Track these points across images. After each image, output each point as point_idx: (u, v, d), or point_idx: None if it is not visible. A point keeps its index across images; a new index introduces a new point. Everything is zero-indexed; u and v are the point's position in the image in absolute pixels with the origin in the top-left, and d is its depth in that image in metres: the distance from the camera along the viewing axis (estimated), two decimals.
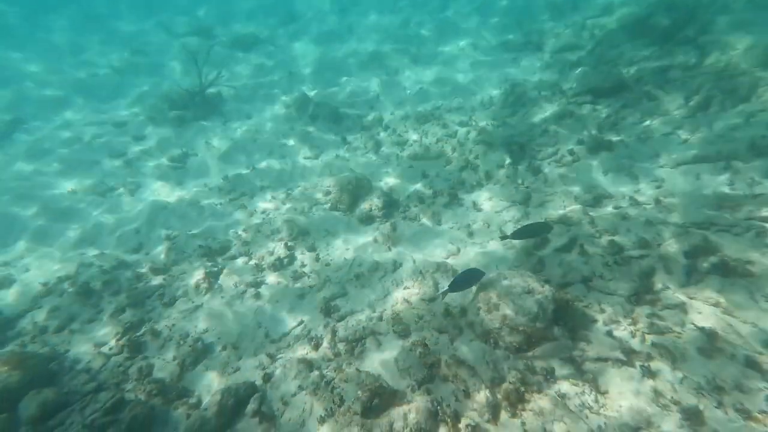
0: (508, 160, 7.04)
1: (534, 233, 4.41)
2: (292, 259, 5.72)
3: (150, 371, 4.37)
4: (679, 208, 5.04)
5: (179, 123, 9.83)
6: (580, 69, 8.77)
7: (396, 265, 5.33)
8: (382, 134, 8.75)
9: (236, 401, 3.73)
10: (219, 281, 5.42)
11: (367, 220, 6.27)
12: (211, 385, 4.19)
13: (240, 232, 6.46)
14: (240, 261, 5.79)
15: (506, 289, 4.11)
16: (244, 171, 8.19)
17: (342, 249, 5.84)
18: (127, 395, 4.00)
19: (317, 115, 9.11)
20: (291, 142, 8.96)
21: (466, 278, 3.91)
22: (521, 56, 10.58)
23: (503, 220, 5.95)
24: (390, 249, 5.73)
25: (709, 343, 3.45)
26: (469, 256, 5.38)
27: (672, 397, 3.15)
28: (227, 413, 3.65)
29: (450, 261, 5.33)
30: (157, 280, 5.67)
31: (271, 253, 5.70)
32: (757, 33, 7.27)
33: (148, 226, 6.97)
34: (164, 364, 4.47)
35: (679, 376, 3.30)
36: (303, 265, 5.60)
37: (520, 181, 6.67)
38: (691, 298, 3.95)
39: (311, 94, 10.71)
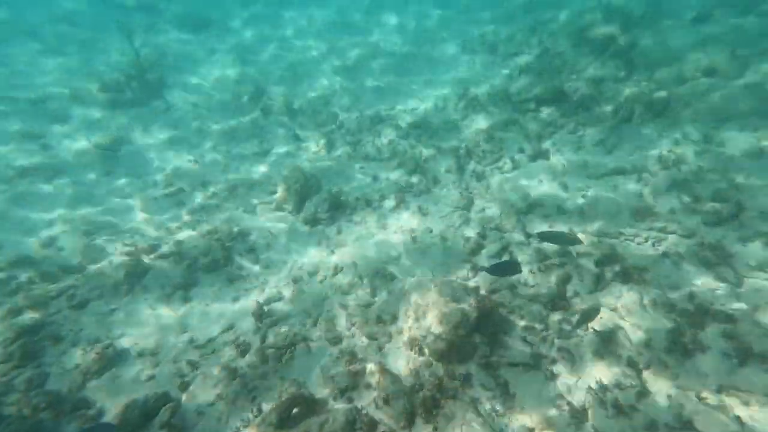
0: (455, 165, 7.33)
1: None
2: (228, 260, 5.71)
3: (42, 382, 4.14)
4: (597, 218, 5.54)
5: (112, 107, 9.26)
6: (526, 75, 9.19)
7: (337, 269, 5.47)
8: (337, 133, 8.77)
9: (143, 412, 3.69)
10: (143, 282, 5.29)
11: (313, 222, 6.35)
12: (117, 394, 4.09)
13: (173, 229, 6.33)
14: (171, 260, 5.67)
15: (435, 296, 4.40)
16: (187, 164, 7.97)
17: (284, 251, 5.90)
18: (5, 410, 3.74)
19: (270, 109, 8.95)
20: (242, 137, 8.78)
21: (506, 268, 4.23)
22: (476, 58, 10.88)
23: (447, 225, 6.23)
24: (333, 252, 5.86)
25: (603, 345, 3.91)
26: (409, 262, 5.62)
27: (567, 399, 3.58)
28: (130, 425, 3.61)
29: (391, 267, 5.54)
30: (67, 281, 5.41)
31: (205, 254, 5.64)
32: (677, 51, 7.96)
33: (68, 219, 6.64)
34: (62, 373, 4.27)
35: (575, 379, 3.74)
36: (240, 268, 5.60)
37: (464, 186, 6.99)
38: (596, 303, 4.42)
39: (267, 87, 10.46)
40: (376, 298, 4.93)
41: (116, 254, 5.73)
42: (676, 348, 3.57)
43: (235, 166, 7.98)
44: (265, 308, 4.82)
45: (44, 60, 11.92)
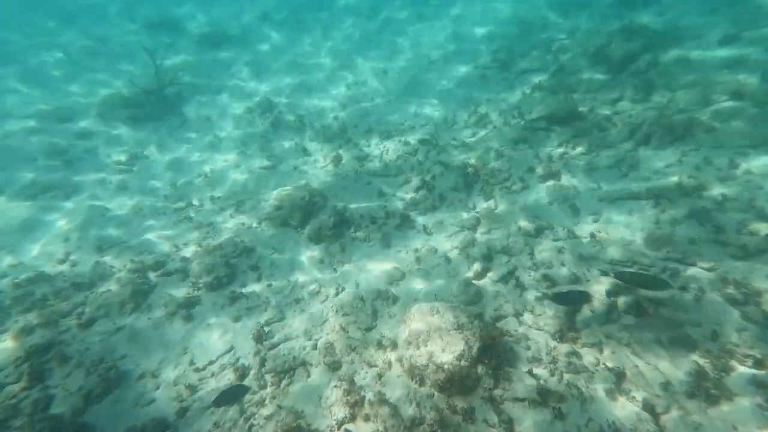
0: (462, 183, 7.19)
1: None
2: (232, 278, 5.64)
3: (47, 405, 4.11)
4: (609, 245, 5.31)
5: (132, 122, 9.50)
6: (539, 93, 9.05)
7: (339, 289, 5.36)
8: (344, 147, 8.74)
9: None
10: (148, 300, 5.27)
11: (317, 238, 6.27)
12: (118, 420, 4.05)
13: (180, 245, 6.32)
14: (175, 278, 5.65)
15: (437, 323, 4.23)
16: (196, 179, 8.03)
17: (287, 269, 5.81)
18: None
19: (279, 123, 9.01)
20: (249, 150, 8.84)
21: (573, 297, 4.18)
22: (488, 74, 10.79)
23: (452, 246, 6.07)
24: (336, 271, 5.75)
25: (617, 384, 3.67)
26: (413, 283, 5.48)
27: None
28: None
29: (393, 288, 5.40)
30: (77, 297, 5.44)
31: (210, 271, 5.59)
32: (697, 73, 7.73)
33: (80, 234, 6.70)
34: (66, 396, 4.24)
35: (586, 419, 3.50)
36: (243, 285, 5.53)
37: (471, 206, 6.83)
38: (608, 338, 4.18)
39: (277, 99, 10.57)
40: (377, 322, 4.78)
41: (123, 271, 5.76)
42: (699, 393, 3.31)
43: (242, 181, 8.01)
44: (266, 329, 4.72)
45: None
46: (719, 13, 9.56)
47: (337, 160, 8.10)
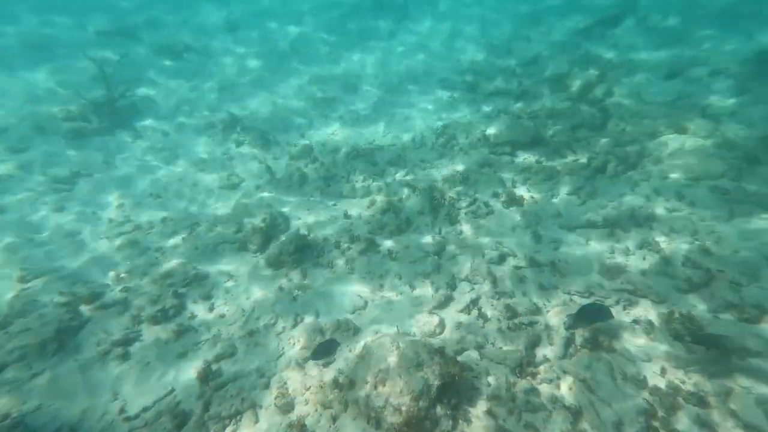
0: (428, 207, 7.19)
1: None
2: (180, 309, 5.28)
3: None
4: (568, 273, 5.42)
5: (74, 137, 8.85)
6: (505, 117, 9.30)
7: (297, 320, 5.12)
8: (310, 166, 8.56)
9: None
10: (77, 339, 4.79)
11: (277, 264, 6.00)
12: None
13: (122, 273, 5.86)
14: (113, 311, 5.20)
15: (396, 360, 4.11)
16: (147, 199, 7.55)
17: (243, 297, 5.51)
18: None
19: (243, 140, 8.71)
20: (208, 168, 8.46)
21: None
22: (456, 96, 11.00)
23: (416, 272, 6.00)
24: (295, 299, 5.52)
25: (573, 424, 3.66)
26: (375, 312, 5.34)
27: None
28: None
29: (354, 319, 5.24)
30: None
31: (155, 302, 5.19)
32: (647, 105, 8.20)
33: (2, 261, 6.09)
34: None
35: None
36: (192, 317, 5.18)
37: (437, 230, 6.82)
38: (565, 372, 4.20)
39: (241, 114, 10.25)
40: (335, 357, 4.59)
41: (49, 306, 5.18)
42: None
43: (201, 200, 7.62)
44: (214, 367, 4.41)
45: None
46: (666, 47, 10.28)
47: (302, 179, 7.91)
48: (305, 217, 7.18)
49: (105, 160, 8.51)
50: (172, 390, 4.26)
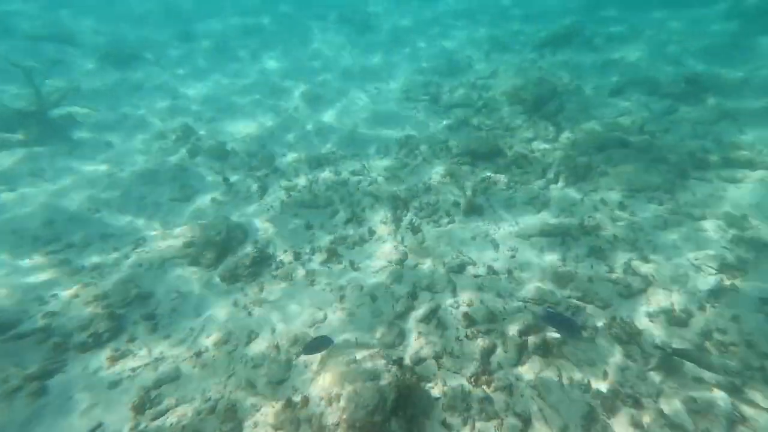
0: (391, 216, 7.25)
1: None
2: (116, 332, 4.96)
3: None
4: (524, 281, 5.63)
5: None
6: (465, 128, 9.59)
7: (251, 337, 4.97)
8: (271, 177, 8.40)
9: None
10: None
11: (232, 278, 5.81)
12: None
13: (47, 297, 5.40)
14: (30, 341, 4.69)
15: (353, 374, 4.08)
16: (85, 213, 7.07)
17: (192, 315, 5.27)
18: None
19: (197, 151, 8.40)
20: (158, 180, 8.05)
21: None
22: (420, 107, 11.23)
23: (378, 282, 6.01)
24: (251, 315, 5.36)
25: (523, 430, 3.78)
26: (335, 324, 5.28)
27: None
28: None
29: (313, 332, 5.16)
30: None
31: (85, 327, 4.86)
32: (595, 119, 8.75)
33: None
34: None
35: None
36: (131, 339, 4.88)
37: (399, 240, 6.88)
38: (518, 380, 4.34)
39: (196, 126, 9.91)
40: (290, 373, 4.49)
41: None
42: None
43: (149, 213, 7.24)
44: (153, 394, 4.15)
45: None
46: (611, 66, 11.05)
47: (262, 191, 7.74)
48: (265, 228, 7.02)
49: (32, 173, 7.89)
50: (100, 425, 3.94)
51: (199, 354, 4.66)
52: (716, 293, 4.82)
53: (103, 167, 8.38)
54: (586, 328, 4.54)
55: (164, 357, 4.65)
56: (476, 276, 5.90)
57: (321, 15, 18.06)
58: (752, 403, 3.69)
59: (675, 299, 4.82)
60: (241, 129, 10.36)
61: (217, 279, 5.77)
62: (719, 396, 3.75)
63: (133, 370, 4.47)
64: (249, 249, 5.98)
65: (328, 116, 11.12)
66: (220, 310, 5.33)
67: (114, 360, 4.59)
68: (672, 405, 3.73)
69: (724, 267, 5.11)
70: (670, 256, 5.48)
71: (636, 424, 3.52)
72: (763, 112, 8.34)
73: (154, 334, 4.96)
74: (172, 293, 5.50)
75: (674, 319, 4.55)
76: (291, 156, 9.19)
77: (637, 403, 3.71)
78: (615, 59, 11.62)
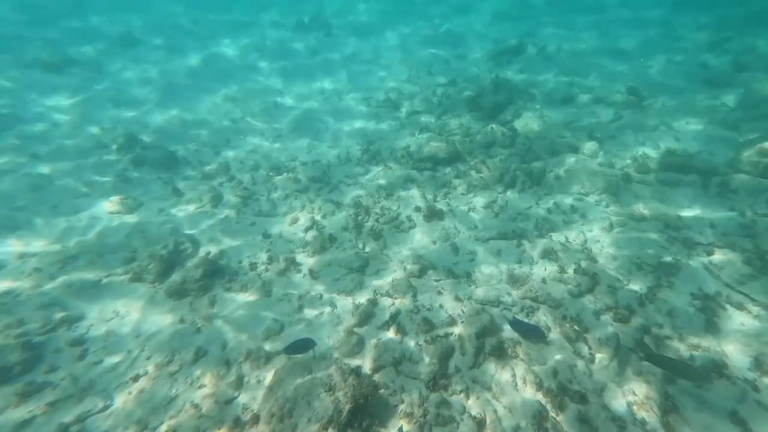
0: (352, 223, 7.22)
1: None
2: (32, 364, 4.49)
3: None
4: (481, 284, 5.75)
5: None
6: (426, 134, 9.78)
7: (198, 355, 4.73)
8: (226, 185, 8.14)
9: None
10: None
11: (179, 293, 5.53)
12: None
13: None
14: None
15: (307, 387, 3.99)
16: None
17: (130, 337, 4.92)
18: None
19: (144, 159, 8.00)
20: (95, 192, 7.55)
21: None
22: (381, 113, 11.34)
23: (338, 290, 5.94)
24: (199, 331, 5.11)
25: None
26: (291, 336, 5.14)
27: None
28: None
29: (268, 345, 4.99)
30: None
31: None
32: (547, 125, 9.19)
33: None
34: None
35: None
36: (51, 370, 4.46)
37: (361, 246, 6.85)
38: (474, 382, 4.41)
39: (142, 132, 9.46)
40: (240, 391, 4.32)
41: None
42: None
43: (82, 228, 6.76)
44: (74, 429, 3.79)
45: None
46: (564, 74, 11.69)
47: (216, 199, 7.48)
48: (218, 240, 6.78)
49: None
50: None
51: (136, 378, 4.35)
52: (654, 290, 5.15)
53: (26, 181, 7.77)
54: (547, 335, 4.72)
55: (91, 386, 4.27)
56: (437, 280, 5.97)
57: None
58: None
59: (620, 299, 5.11)
60: (194, 134, 10.00)
61: (163, 295, 5.47)
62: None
63: (53, 404, 4.05)
64: (199, 262, 5.73)
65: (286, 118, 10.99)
66: (164, 329, 5.04)
67: (27, 395, 4.14)
68: (615, 399, 3.92)
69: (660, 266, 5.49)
70: (615, 255, 5.82)
71: (582, 419, 3.67)
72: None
73: (81, 362, 4.54)
74: (107, 314, 5.12)
75: (618, 315, 4.82)
76: (249, 163, 8.97)
77: (583, 399, 3.86)
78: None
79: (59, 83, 11.69)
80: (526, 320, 4.92)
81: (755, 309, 4.69)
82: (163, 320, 5.12)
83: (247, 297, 5.70)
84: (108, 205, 7.25)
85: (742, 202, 6.44)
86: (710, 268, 5.32)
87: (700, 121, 9.02)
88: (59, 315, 4.91)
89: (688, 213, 6.46)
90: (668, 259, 5.58)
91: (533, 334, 4.64)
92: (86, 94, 11.37)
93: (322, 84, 13.38)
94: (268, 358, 4.78)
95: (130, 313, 5.17)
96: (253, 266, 6.22)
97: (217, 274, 5.92)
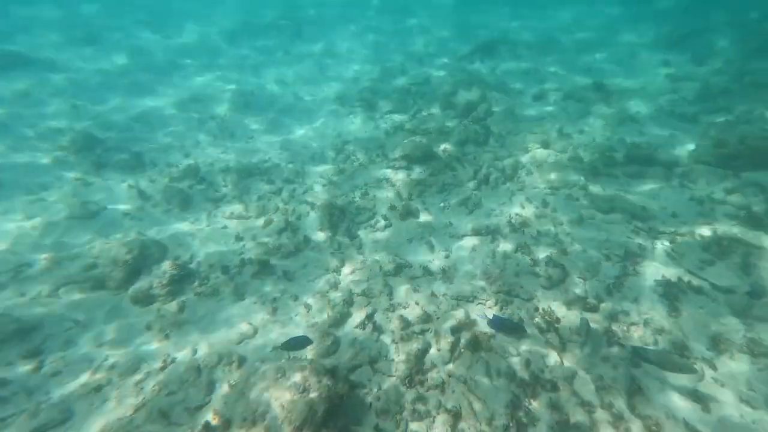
0: (327, 223, 7.19)
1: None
2: None
3: None
4: (456, 279, 5.83)
5: None
6: (401, 133, 9.86)
7: (166, 362, 4.60)
8: (196, 187, 7.96)
9: None
10: None
11: (146, 300, 5.36)
12: None
13: None
14: None
15: (280, 390, 3.94)
16: None
17: (91, 346, 4.73)
18: None
19: (107, 162, 7.72)
20: (52, 197, 7.22)
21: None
22: (356, 113, 11.37)
23: (313, 292, 5.90)
24: (168, 337, 4.97)
25: (452, 426, 3.89)
26: (265, 339, 5.08)
27: None
28: None
29: (240, 349, 4.91)
30: None
31: None
32: (519, 122, 9.43)
33: None
34: None
35: None
36: (4, 383, 4.23)
37: (336, 247, 6.83)
38: (450, 376, 4.47)
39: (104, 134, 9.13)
40: (212, 396, 4.23)
41: None
42: (513, 424, 3.72)
43: (35, 236, 6.44)
44: None
45: None
46: (531, 75, 12.04)
47: (185, 203, 7.30)
48: (187, 243, 6.62)
49: None
50: None
51: (98, 388, 4.19)
52: (620, 278, 5.38)
53: None
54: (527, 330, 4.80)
55: (49, 398, 4.10)
56: (413, 278, 6.02)
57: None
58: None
59: (588, 286, 5.30)
60: (161, 137, 9.74)
61: (128, 302, 5.29)
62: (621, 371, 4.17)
63: (3, 420, 3.88)
64: (167, 266, 5.58)
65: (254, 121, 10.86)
66: (129, 337, 4.88)
67: None
68: (584, 385, 4.07)
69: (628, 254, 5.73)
70: (585, 247, 6.03)
71: (553, 406, 3.78)
72: None
73: (37, 374, 4.33)
74: (67, 323, 4.91)
75: (587, 305, 5.00)
76: (219, 166, 8.80)
77: (554, 387, 3.99)
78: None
79: None
80: (506, 317, 4.98)
81: (713, 293, 4.96)
82: (128, 327, 4.95)
83: (219, 300, 5.59)
84: (66, 211, 6.95)
85: (701, 191, 6.81)
86: (673, 255, 5.59)
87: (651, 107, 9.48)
88: (12, 326, 4.66)
89: (652, 203, 6.76)
90: (634, 248, 5.82)
91: (515, 330, 4.72)
92: None
93: (294, 84, 13.28)
94: (242, 360, 4.71)
95: (92, 323, 4.97)
96: (225, 269, 6.11)
97: (187, 278, 5.78)
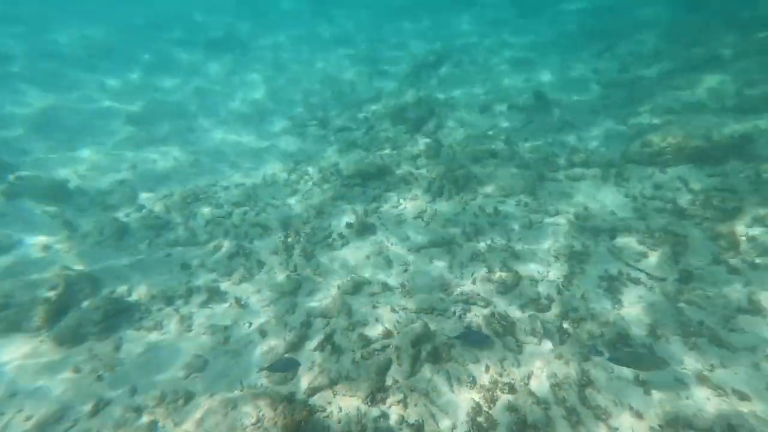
0: (282, 245, 7.07)
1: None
2: None
3: None
4: (416, 293, 5.90)
5: None
6: (355, 151, 10.01)
7: (99, 405, 4.21)
8: (134, 215, 7.54)
9: None
10: None
11: (75, 339, 4.91)
12: None
13: None
14: None
15: (230, 423, 3.74)
16: None
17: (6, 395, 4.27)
18: None
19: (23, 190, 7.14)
20: None
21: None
22: (307, 132, 11.42)
23: (268, 317, 5.71)
24: (101, 378, 4.57)
25: None
26: (214, 370, 4.82)
27: None
28: None
29: (187, 383, 4.62)
30: None
31: None
32: (468, 132, 9.95)
33: None
34: None
35: None
36: None
37: (292, 268, 6.70)
38: (412, 391, 4.46)
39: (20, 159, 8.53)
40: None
41: None
42: (474, 429, 3.76)
43: None
44: None
45: None
46: (480, 85, 12.80)
47: (120, 233, 6.88)
48: (124, 276, 6.20)
49: None
50: None
51: None
52: (569, 277, 5.71)
53: None
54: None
55: None
56: (372, 294, 6.01)
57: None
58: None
59: (541, 290, 5.56)
60: (95, 160, 9.19)
61: (51, 344, 4.83)
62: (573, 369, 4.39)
63: None
64: (99, 302, 5.18)
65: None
66: (52, 383, 4.44)
67: None
68: (539, 383, 4.23)
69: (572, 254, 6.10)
70: (535, 251, 6.35)
71: (511, 408, 3.88)
72: None
73: None
74: None
75: (539, 306, 5.24)
76: (161, 192, 8.44)
77: (512, 389, 4.10)
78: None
79: None
80: (474, 330, 5.07)
81: (649, 282, 5.40)
82: (50, 373, 4.52)
83: (163, 334, 5.26)
84: None
85: (634, 189, 7.44)
86: (613, 251, 6.03)
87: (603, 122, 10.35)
88: None
89: (592, 204, 7.28)
90: (579, 247, 6.22)
91: (483, 343, 4.78)
92: None
93: (242, 104, 13.13)
94: (189, 395, 4.44)
95: (4, 366, 4.48)
96: (170, 300, 5.79)
97: (124, 313, 5.40)
